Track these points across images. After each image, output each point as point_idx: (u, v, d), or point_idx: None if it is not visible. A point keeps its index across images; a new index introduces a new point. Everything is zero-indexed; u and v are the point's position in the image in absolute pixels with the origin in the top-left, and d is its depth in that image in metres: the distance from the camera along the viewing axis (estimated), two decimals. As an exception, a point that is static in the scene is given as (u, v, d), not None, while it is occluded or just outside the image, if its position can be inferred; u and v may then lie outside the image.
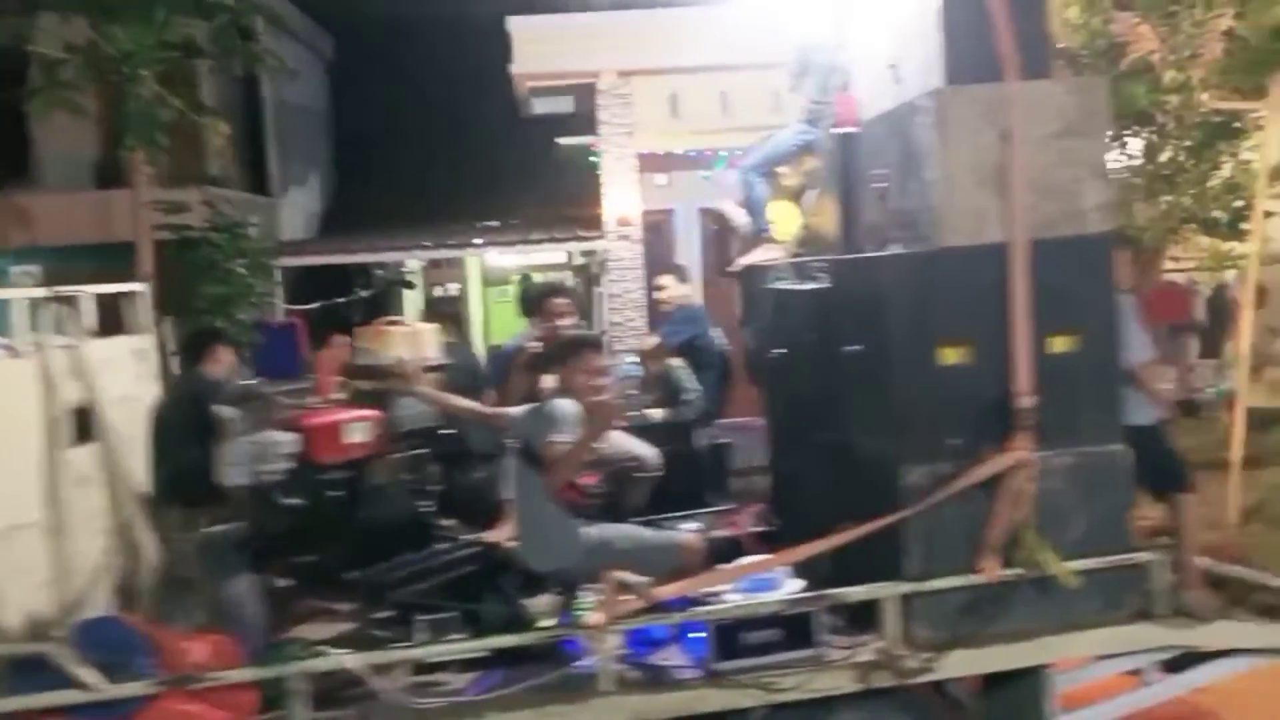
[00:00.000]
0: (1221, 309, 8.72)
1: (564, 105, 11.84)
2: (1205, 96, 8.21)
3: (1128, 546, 3.45)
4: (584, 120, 11.40)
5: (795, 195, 4.45)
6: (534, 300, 4.28)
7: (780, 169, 4.50)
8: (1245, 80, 8.15)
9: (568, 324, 4.06)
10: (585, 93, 11.09)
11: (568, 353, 3.52)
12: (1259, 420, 8.24)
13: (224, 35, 7.91)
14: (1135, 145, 8.51)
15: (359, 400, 4.11)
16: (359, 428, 3.82)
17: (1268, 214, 8.21)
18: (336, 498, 3.69)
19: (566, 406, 3.42)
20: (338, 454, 3.74)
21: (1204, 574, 3.60)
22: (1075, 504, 3.41)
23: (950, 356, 3.40)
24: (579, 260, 11.62)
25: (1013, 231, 3.35)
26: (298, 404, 4.22)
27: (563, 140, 12.09)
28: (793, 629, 3.39)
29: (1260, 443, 8.00)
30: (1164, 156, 8.37)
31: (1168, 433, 3.80)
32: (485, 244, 11.47)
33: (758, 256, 4.42)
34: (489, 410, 3.70)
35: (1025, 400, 3.33)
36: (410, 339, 4.27)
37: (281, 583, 3.65)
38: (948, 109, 3.40)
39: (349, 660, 3.15)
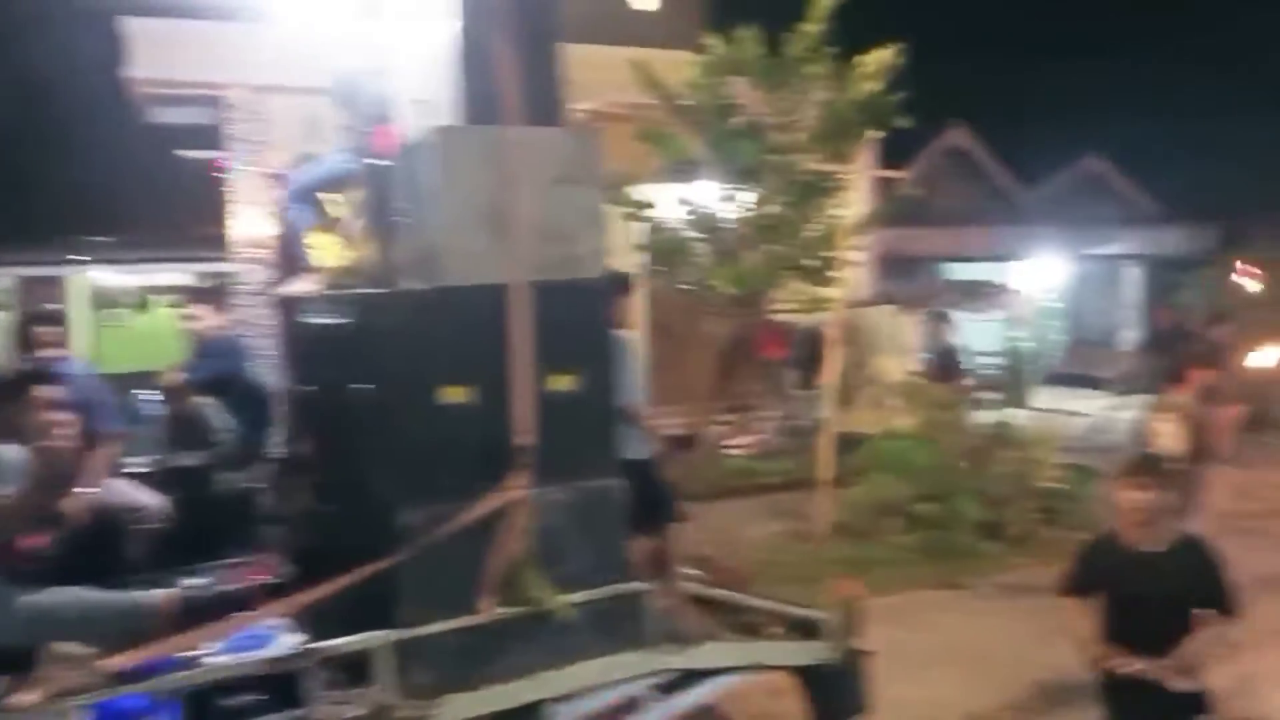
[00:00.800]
0: (815, 346, 9.67)
1: (195, 115, 10.95)
2: (803, 157, 9.18)
3: (623, 576, 3.60)
4: (216, 133, 10.62)
5: (340, 225, 4.30)
6: (19, 329, 3.77)
7: (325, 196, 4.33)
8: (836, 145, 9.23)
9: (54, 355, 3.60)
10: (217, 105, 10.35)
11: (14, 389, 3.09)
12: (849, 444, 9.28)
13: None
14: (745, 198, 9.30)
15: None
16: None
17: (850, 263, 9.34)
18: None
19: (6, 453, 2.99)
20: None
21: (694, 598, 3.84)
22: (573, 537, 3.51)
23: (450, 395, 3.38)
24: (207, 282, 10.74)
25: (512, 273, 3.40)
26: None
27: (190, 153, 11.19)
28: (281, 689, 3.19)
29: (848, 464, 9.01)
30: (768, 209, 9.21)
31: (662, 466, 4.03)
32: (92, 261, 10.29)
33: (296, 287, 4.21)
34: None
35: (523, 438, 3.39)
36: None
37: None
38: (449, 147, 3.40)
39: None
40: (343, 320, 3.73)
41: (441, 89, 3.80)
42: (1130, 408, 7.10)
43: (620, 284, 4.02)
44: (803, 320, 9.98)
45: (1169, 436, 5.48)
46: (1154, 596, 3.63)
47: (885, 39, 8.91)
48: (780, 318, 10.00)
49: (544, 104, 3.58)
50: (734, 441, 10.31)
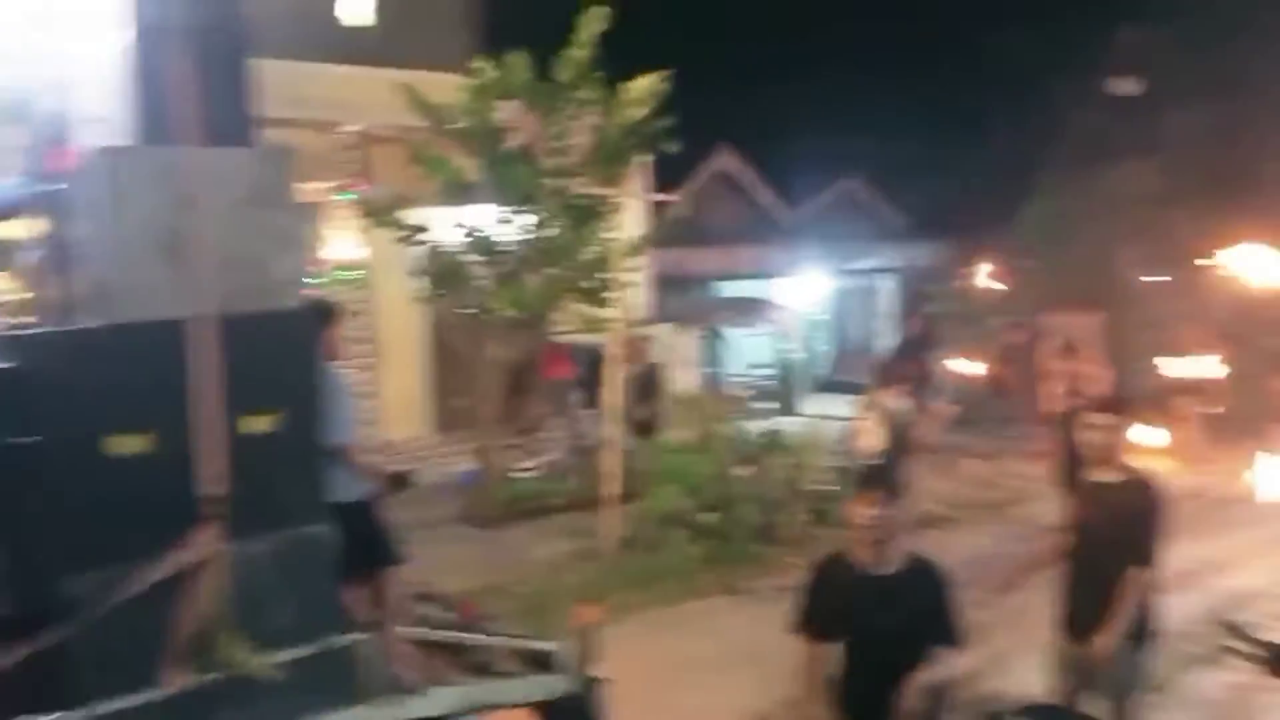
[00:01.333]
0: (597, 366, 9.72)
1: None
2: (577, 181, 9.20)
3: (337, 629, 3.36)
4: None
5: (16, 257, 3.84)
6: None
7: (-1, 225, 3.86)
8: (607, 169, 9.30)
9: None
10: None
11: None
12: (635, 459, 9.33)
13: None
14: (523, 221, 9.22)
15: None
16: None
17: (627, 284, 9.45)
18: None
19: None
20: None
21: (421, 643, 3.65)
22: (277, 591, 3.24)
23: (124, 445, 3.05)
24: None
25: (193, 305, 3.12)
26: None
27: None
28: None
29: (635, 479, 9.06)
30: (546, 232, 9.17)
31: (378, 507, 3.83)
32: None
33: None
34: None
35: (213, 487, 3.10)
36: None
37: None
38: (116, 170, 3.09)
39: None
40: (4, 365, 3.31)
41: (115, 106, 3.46)
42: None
43: (325, 312, 3.80)
44: (586, 340, 10.01)
45: (869, 434, 5.81)
46: (885, 626, 3.42)
47: (654, 65, 9.08)
48: (564, 338, 9.98)
49: (230, 123, 3.31)
50: (522, 464, 10.18)
